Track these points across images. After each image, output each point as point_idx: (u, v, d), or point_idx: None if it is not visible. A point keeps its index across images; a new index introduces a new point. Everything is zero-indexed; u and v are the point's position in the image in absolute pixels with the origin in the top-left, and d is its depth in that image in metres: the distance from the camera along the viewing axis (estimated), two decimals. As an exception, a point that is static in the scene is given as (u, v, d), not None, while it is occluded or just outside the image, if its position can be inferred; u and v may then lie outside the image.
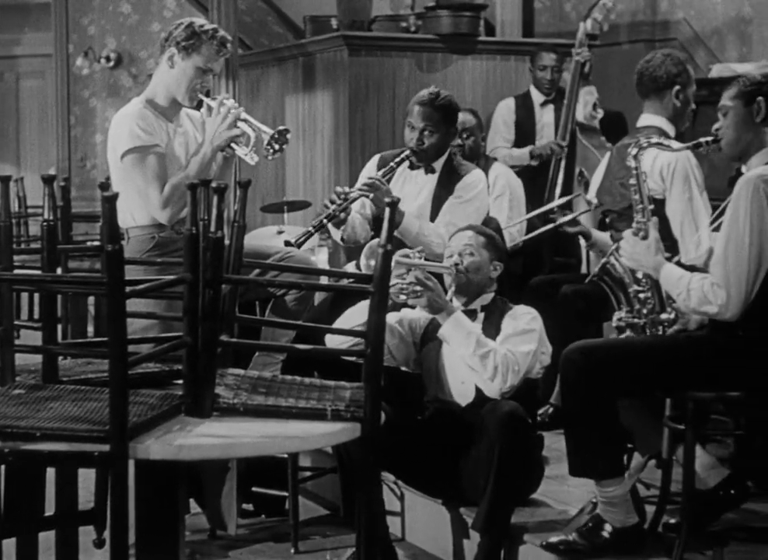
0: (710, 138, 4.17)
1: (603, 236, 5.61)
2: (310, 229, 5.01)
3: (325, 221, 5.00)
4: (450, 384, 4.54)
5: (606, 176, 5.24)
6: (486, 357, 4.31)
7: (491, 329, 4.48)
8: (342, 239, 5.28)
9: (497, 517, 4.18)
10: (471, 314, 4.53)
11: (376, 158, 5.49)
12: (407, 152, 5.23)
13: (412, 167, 5.32)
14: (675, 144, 4.59)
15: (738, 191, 3.88)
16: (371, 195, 5.07)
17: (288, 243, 4.98)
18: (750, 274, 3.83)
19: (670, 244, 4.68)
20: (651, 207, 4.31)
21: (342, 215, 5.03)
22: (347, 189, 5.09)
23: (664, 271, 4.05)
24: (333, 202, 5.02)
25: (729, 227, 3.88)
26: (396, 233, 5.02)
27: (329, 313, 4.97)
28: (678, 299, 3.97)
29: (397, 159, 5.23)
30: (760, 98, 4.02)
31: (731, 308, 3.84)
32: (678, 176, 4.80)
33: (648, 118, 5.04)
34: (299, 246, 4.96)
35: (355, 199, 5.06)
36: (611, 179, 5.17)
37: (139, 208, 4.75)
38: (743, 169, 4.11)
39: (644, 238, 4.15)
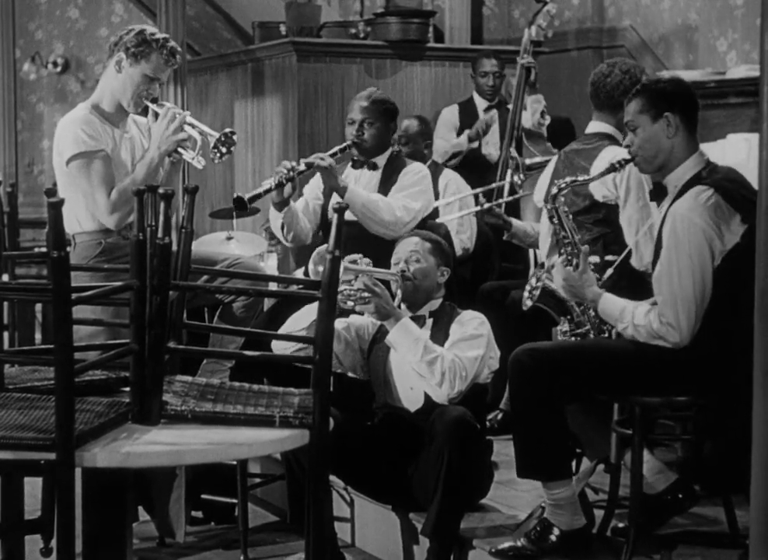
0: (623, 159, 4.16)
1: (523, 226, 5.65)
2: (261, 190, 5.05)
3: (274, 185, 5.05)
4: (399, 390, 4.55)
5: (553, 181, 5.24)
6: (433, 363, 4.31)
7: (440, 335, 4.49)
8: (287, 239, 5.32)
9: (446, 523, 4.19)
10: (419, 320, 4.53)
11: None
12: (348, 143, 5.34)
13: (355, 166, 5.38)
14: (596, 169, 4.58)
15: (673, 228, 3.87)
16: (323, 168, 5.14)
17: (239, 198, 5.00)
18: (698, 308, 3.86)
19: (617, 248, 4.70)
20: (578, 237, 4.31)
21: (289, 184, 5.07)
22: (294, 163, 5.17)
23: (602, 303, 4.05)
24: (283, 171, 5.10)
25: (671, 266, 3.87)
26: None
27: (277, 319, 4.97)
28: (625, 332, 3.98)
29: (338, 147, 5.32)
30: (668, 113, 3.96)
31: (683, 340, 3.88)
32: (633, 183, 4.79)
33: (598, 125, 5.04)
34: (250, 202, 5.01)
35: (303, 171, 5.11)
36: (559, 184, 5.18)
37: (86, 214, 4.73)
38: (666, 183, 4.07)
39: (576, 267, 4.14)
